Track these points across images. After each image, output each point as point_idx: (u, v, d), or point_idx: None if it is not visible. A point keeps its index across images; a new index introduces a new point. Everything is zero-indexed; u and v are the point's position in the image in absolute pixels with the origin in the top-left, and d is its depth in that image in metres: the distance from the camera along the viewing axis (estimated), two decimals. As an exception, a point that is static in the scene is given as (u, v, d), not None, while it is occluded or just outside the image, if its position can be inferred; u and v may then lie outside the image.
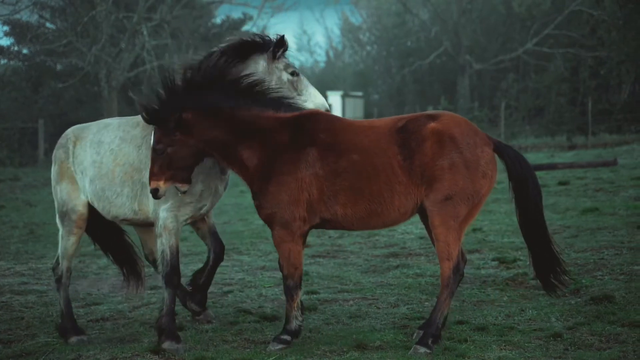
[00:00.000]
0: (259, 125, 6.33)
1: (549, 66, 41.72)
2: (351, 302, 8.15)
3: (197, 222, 7.31)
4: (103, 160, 7.03)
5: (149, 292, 9.02)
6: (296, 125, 6.35)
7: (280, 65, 6.86)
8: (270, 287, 9.03)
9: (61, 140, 7.38)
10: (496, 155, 6.47)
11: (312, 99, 6.86)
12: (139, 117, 7.14)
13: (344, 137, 6.31)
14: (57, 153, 7.37)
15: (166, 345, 6.50)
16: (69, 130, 7.45)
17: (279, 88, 6.66)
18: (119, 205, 6.98)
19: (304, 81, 6.93)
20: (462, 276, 6.47)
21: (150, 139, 6.66)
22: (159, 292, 8.92)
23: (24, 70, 36.13)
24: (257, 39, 6.86)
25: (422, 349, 6.15)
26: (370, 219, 6.34)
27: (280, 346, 6.40)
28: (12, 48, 35.69)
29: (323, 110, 6.77)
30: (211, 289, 8.92)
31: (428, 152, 6.15)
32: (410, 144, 6.18)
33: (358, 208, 6.26)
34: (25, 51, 36.14)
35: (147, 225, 7.19)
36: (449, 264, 6.21)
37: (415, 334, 6.62)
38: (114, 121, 7.37)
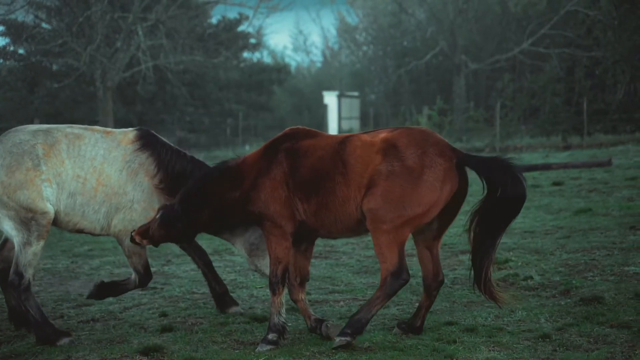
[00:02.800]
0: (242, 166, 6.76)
1: (545, 66, 41.77)
2: (342, 302, 8.16)
3: None
4: (87, 177, 7.13)
5: (140, 293, 9.03)
6: (275, 141, 6.76)
7: None
8: (261, 287, 9.04)
9: (23, 147, 7.00)
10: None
11: None
12: (118, 135, 7.38)
13: (305, 142, 6.60)
14: (21, 160, 6.98)
15: (90, 295, 7.50)
16: (28, 136, 7.11)
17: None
18: (92, 220, 7.22)
19: None
20: (437, 284, 6.60)
21: (132, 165, 7.19)
22: (149, 293, 8.97)
23: (20, 70, 36.15)
24: None
25: (337, 340, 6.24)
26: (322, 212, 6.42)
27: (268, 347, 6.42)
28: (7, 48, 35.69)
29: None
30: (203, 289, 8.96)
31: (371, 155, 6.26)
32: (356, 143, 6.35)
33: (310, 202, 6.43)
34: (21, 51, 36.16)
35: (101, 236, 7.59)
36: (384, 267, 6.22)
37: (394, 330, 6.79)
38: (84, 132, 7.33)
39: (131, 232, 6.95)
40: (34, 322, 6.99)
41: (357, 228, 6.50)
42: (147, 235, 6.86)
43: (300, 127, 6.89)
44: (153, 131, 7.62)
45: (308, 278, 6.94)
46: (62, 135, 7.20)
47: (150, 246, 12.24)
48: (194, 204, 6.75)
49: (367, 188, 6.23)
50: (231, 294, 8.11)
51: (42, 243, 7.04)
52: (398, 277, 6.17)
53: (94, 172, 7.14)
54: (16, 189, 6.93)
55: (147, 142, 7.36)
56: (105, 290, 7.51)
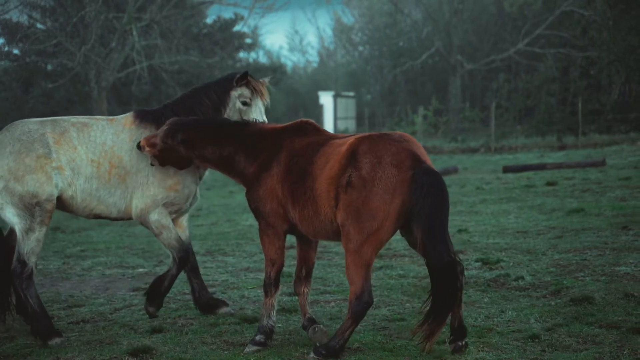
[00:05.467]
0: (255, 138, 6.79)
1: (540, 66, 41.83)
2: (333, 303, 8.16)
3: (177, 230, 7.73)
4: (101, 160, 7.28)
5: (131, 293, 9.02)
6: (284, 131, 6.73)
7: (237, 93, 7.55)
8: (253, 288, 9.03)
9: (33, 135, 7.14)
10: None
11: None
12: (121, 120, 7.55)
13: (303, 141, 6.54)
14: (31, 147, 7.08)
15: (150, 309, 7.47)
16: (36, 125, 7.23)
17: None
18: (108, 204, 7.35)
19: (253, 112, 7.56)
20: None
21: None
22: (140, 294, 8.94)
23: (15, 70, 36.09)
24: (229, 77, 7.63)
25: (311, 355, 6.16)
26: (303, 222, 6.37)
27: (255, 348, 6.43)
28: (2, 48, 35.64)
29: None
30: (194, 290, 8.94)
31: (335, 167, 6.11)
32: (328, 156, 6.25)
33: (295, 211, 6.38)
34: (15, 51, 36.11)
35: (118, 220, 7.66)
36: (351, 289, 6.04)
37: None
38: (89, 120, 7.51)
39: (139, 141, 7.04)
40: (32, 312, 7.03)
41: (337, 237, 6.34)
42: (151, 143, 6.93)
43: (310, 121, 6.82)
44: (146, 108, 7.81)
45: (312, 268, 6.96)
46: (70, 124, 7.37)
47: (145, 247, 12.22)
48: (200, 137, 6.82)
49: (335, 202, 6.09)
50: (222, 294, 8.12)
51: (44, 230, 7.11)
52: (360, 299, 6.00)
53: (105, 156, 7.30)
54: (25, 174, 7.02)
55: (144, 118, 7.52)
56: (155, 293, 7.46)
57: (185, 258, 7.45)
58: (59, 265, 11.12)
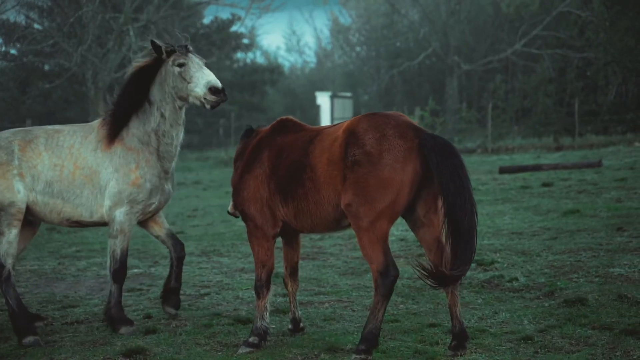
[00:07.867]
0: (241, 151, 6.98)
1: (537, 67, 41.85)
2: (327, 304, 8.17)
3: (153, 227, 7.82)
4: (65, 163, 7.40)
5: (125, 294, 9.00)
6: (263, 134, 6.82)
7: (170, 62, 7.38)
8: (247, 289, 9.03)
9: (0, 143, 7.38)
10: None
11: (199, 82, 7.23)
12: (94, 123, 7.68)
13: (288, 138, 6.57)
14: None
15: (123, 330, 7.23)
16: (7, 134, 7.50)
17: None
18: (76, 205, 7.40)
19: (192, 68, 7.31)
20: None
21: (104, 143, 7.40)
22: (134, 295, 8.95)
23: (12, 71, 36.08)
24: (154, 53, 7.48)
25: (353, 357, 6.07)
26: (300, 216, 6.37)
27: (248, 349, 6.43)
28: None
29: (213, 87, 7.15)
30: (189, 291, 8.96)
31: (336, 151, 6.11)
32: (324, 144, 6.25)
33: (289, 206, 6.38)
34: (13, 51, 36.10)
35: (93, 226, 7.69)
36: (372, 267, 6.03)
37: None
38: (64, 127, 7.69)
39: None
40: (12, 312, 7.15)
41: (336, 226, 6.39)
42: None
43: (289, 118, 6.86)
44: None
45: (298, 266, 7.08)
46: (42, 132, 7.58)
47: (140, 247, 12.21)
48: None
49: (340, 185, 6.07)
50: (217, 295, 8.09)
51: (14, 231, 7.28)
52: (386, 275, 5.95)
53: (70, 158, 7.41)
54: None
55: (105, 118, 7.60)
56: (112, 319, 7.38)
57: (119, 271, 7.41)
58: (55, 266, 11.12)
